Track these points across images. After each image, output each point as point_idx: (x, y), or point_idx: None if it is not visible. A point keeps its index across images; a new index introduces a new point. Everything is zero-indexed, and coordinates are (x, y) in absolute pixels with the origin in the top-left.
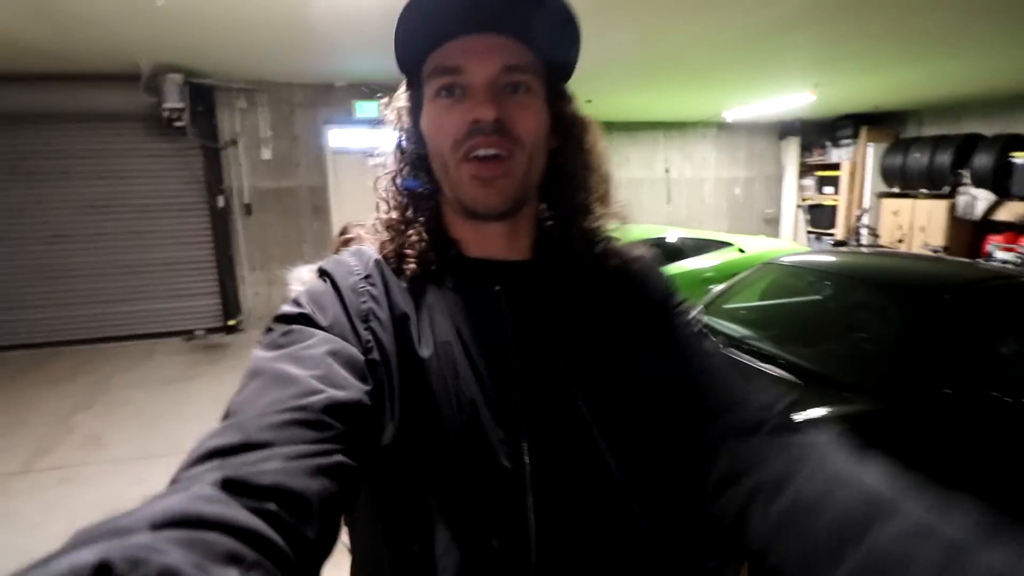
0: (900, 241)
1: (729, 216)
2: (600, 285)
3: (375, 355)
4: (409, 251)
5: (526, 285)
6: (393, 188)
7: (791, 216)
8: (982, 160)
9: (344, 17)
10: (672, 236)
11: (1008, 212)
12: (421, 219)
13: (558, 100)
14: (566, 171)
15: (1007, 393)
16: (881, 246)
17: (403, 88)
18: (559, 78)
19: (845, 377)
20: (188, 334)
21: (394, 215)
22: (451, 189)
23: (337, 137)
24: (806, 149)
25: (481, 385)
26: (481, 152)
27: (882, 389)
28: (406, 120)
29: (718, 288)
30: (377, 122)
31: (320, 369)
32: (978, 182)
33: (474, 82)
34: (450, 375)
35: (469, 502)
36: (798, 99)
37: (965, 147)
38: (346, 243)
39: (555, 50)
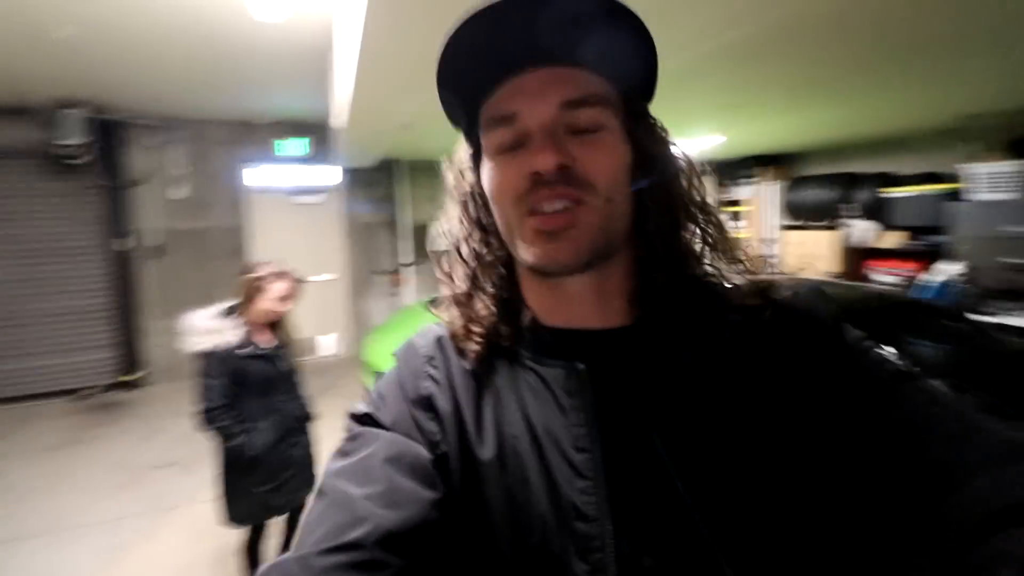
0: (803, 269)
1: None
2: (720, 342)
3: (443, 447)
4: (475, 327)
5: (618, 357)
6: (459, 258)
7: None
8: (862, 195)
9: (261, 53)
10: None
11: (888, 240)
12: (491, 290)
13: (640, 128)
14: (659, 210)
15: None
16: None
17: (461, 144)
18: (638, 101)
19: None
20: (78, 392)
21: (461, 287)
22: (519, 250)
23: (257, 176)
24: (719, 186)
25: (554, 499)
26: (546, 206)
27: None
28: (469, 180)
29: None
30: (300, 159)
31: (380, 484)
32: (860, 214)
33: (530, 127)
34: (516, 483)
35: None
36: (711, 140)
37: (847, 183)
38: (252, 284)
39: (627, 70)
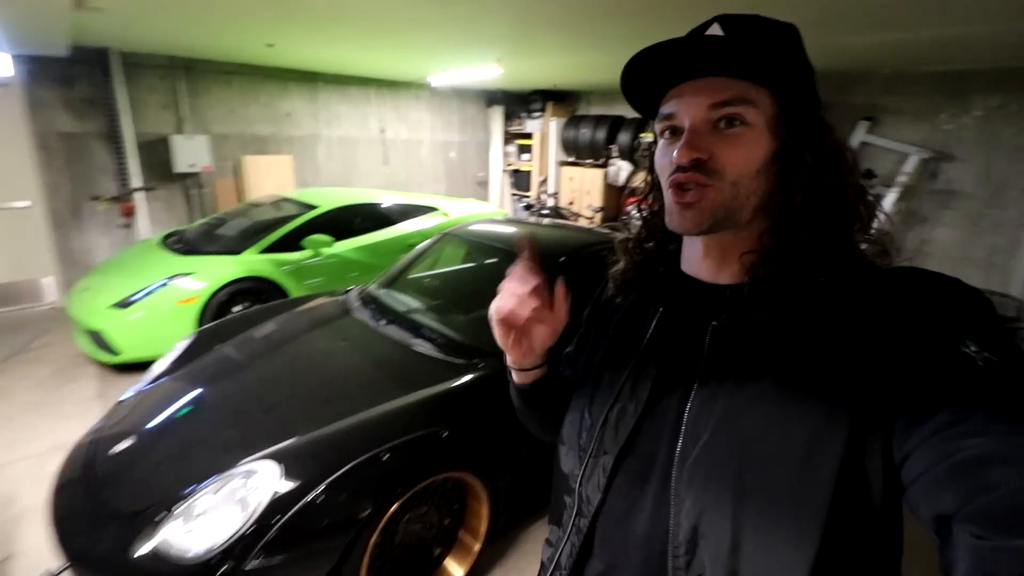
0: (571, 203)
1: (447, 179)
2: (813, 317)
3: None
4: (626, 267)
5: (708, 309)
6: (637, 212)
7: (498, 180)
8: (624, 138)
9: None
10: (387, 201)
11: (639, 180)
12: (651, 242)
13: (787, 124)
14: (796, 191)
15: None
16: (559, 207)
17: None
18: (792, 100)
19: (482, 343)
20: None
21: (631, 235)
22: (665, 212)
23: None
24: (509, 118)
25: (592, 392)
26: (680, 186)
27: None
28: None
29: (404, 258)
30: None
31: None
32: (622, 155)
33: (683, 124)
34: (593, 358)
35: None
36: (488, 71)
37: (614, 126)
38: None
39: (772, 74)
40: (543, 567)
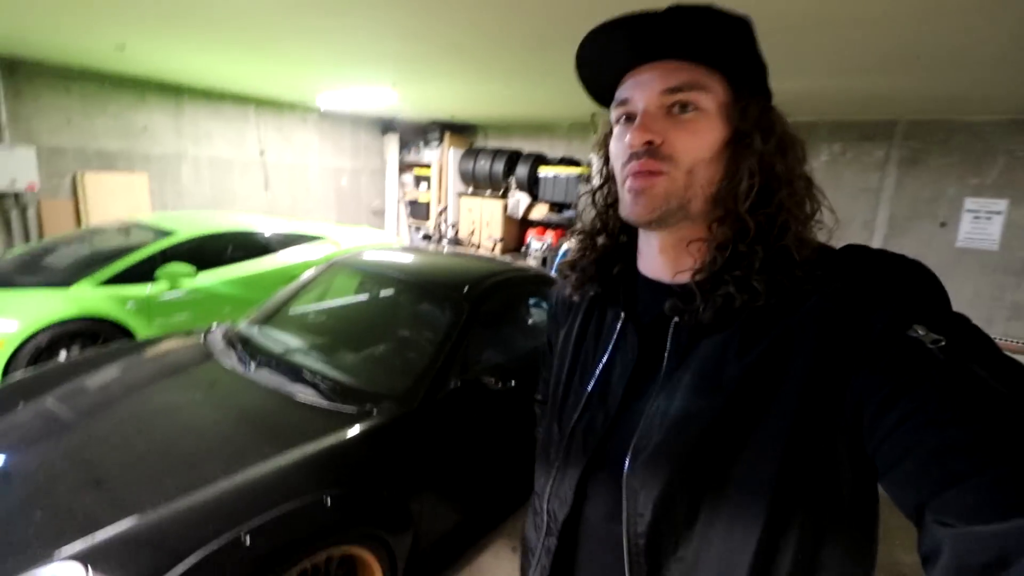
0: (472, 233)
1: (338, 207)
2: (768, 311)
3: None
4: (579, 265)
5: (660, 309)
6: (590, 203)
7: (394, 209)
8: (522, 170)
9: None
10: (265, 228)
11: (538, 212)
12: (603, 235)
13: (739, 110)
14: (750, 180)
15: (497, 379)
16: (459, 238)
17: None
18: (744, 86)
19: (376, 386)
20: None
21: (584, 227)
22: (620, 202)
23: None
24: (405, 147)
25: (561, 404)
26: (634, 172)
27: (407, 391)
28: (608, 145)
29: (282, 291)
30: None
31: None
32: (520, 187)
33: (637, 108)
34: (561, 372)
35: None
36: (383, 93)
37: (512, 159)
38: None
39: (724, 60)
40: None
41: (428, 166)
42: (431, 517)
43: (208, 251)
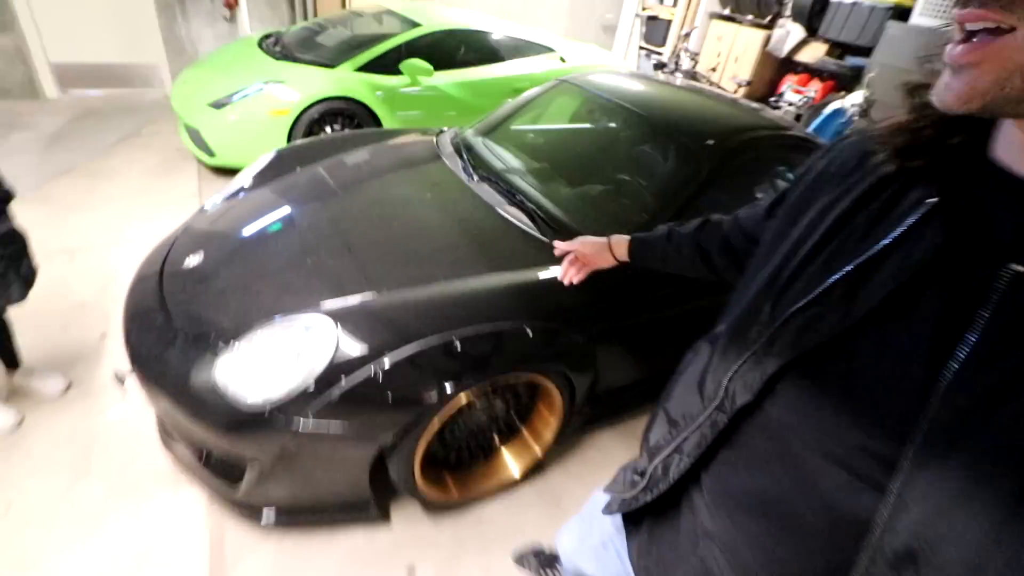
0: (713, 70)
1: (568, 17)
2: None
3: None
4: (911, 123)
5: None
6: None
7: (628, 26)
8: None
9: None
10: (498, 31)
11: (809, 53)
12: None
13: None
14: None
15: None
16: (696, 72)
17: None
18: None
19: (588, 229)
20: None
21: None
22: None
23: None
24: None
25: (781, 278)
26: (957, 34)
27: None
28: None
29: (508, 104)
30: None
31: None
32: (796, 16)
33: None
34: (800, 245)
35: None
36: None
37: None
38: None
39: None
40: (640, 457)
41: None
42: (610, 369)
43: (444, 49)
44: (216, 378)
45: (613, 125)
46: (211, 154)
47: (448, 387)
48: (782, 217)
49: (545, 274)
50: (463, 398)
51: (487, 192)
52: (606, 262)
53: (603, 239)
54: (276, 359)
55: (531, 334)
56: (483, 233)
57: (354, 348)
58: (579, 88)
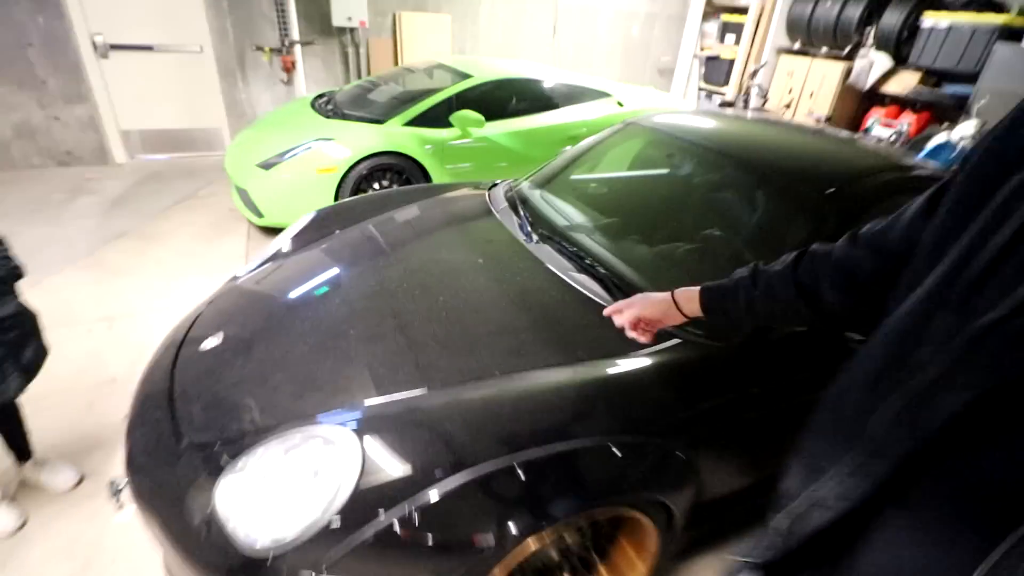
0: (787, 106)
1: (623, 61)
2: None
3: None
4: None
5: None
6: None
7: (686, 67)
8: (891, 18)
9: None
10: (551, 79)
11: (898, 84)
12: None
13: None
14: None
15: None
16: (767, 110)
17: None
18: None
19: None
20: None
21: None
22: None
23: None
24: None
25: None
26: None
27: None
28: None
29: (568, 151)
30: None
31: None
32: (881, 45)
33: None
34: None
35: None
36: None
37: (878, 1)
38: None
39: None
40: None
41: (744, 11)
42: (714, 477)
43: (495, 99)
44: (216, 506)
45: (697, 171)
46: (259, 215)
47: (512, 529)
48: (951, 208)
49: (628, 364)
50: (531, 544)
51: (549, 255)
52: (674, 319)
53: (665, 294)
54: (287, 484)
55: (618, 453)
56: (547, 309)
57: (386, 473)
58: (650, 130)
